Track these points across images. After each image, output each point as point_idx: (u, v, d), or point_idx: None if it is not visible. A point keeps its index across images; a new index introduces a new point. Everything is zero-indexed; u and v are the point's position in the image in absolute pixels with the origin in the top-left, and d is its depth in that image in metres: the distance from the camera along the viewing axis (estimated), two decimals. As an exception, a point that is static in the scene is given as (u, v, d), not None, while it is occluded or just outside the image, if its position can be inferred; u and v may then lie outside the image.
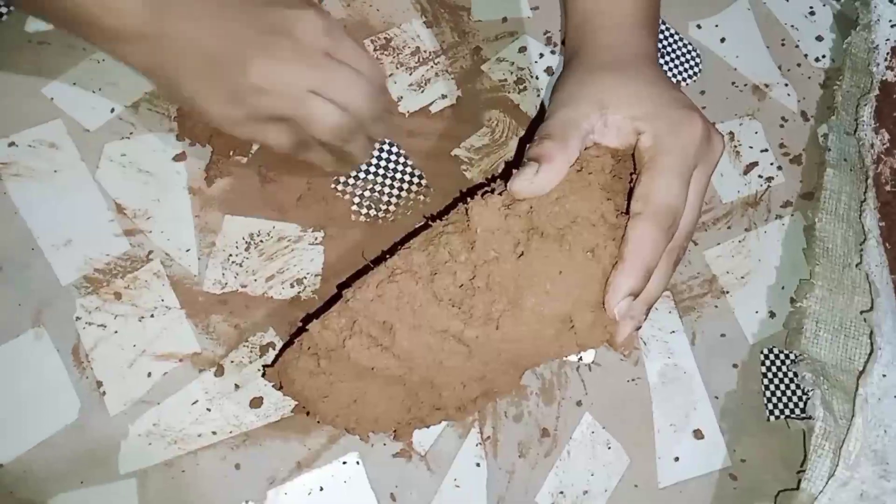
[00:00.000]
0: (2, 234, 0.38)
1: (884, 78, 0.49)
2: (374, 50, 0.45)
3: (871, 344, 0.41)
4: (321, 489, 0.38)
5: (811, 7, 0.51)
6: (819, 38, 0.51)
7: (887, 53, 0.49)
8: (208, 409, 0.38)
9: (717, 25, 0.50)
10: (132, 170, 0.40)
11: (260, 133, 0.36)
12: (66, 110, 0.40)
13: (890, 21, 0.50)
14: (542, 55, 0.47)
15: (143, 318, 0.38)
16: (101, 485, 0.36)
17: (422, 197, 0.43)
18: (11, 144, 0.39)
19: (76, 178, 0.40)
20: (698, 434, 0.42)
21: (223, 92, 0.34)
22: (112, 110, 0.41)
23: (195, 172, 0.41)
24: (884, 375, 0.40)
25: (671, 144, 0.35)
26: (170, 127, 0.41)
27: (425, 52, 0.46)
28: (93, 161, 0.40)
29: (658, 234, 0.33)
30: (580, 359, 0.42)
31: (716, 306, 0.44)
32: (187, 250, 0.40)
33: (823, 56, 0.51)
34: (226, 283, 0.40)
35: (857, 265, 0.43)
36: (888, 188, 0.48)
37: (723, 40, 0.50)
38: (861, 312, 0.42)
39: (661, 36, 0.49)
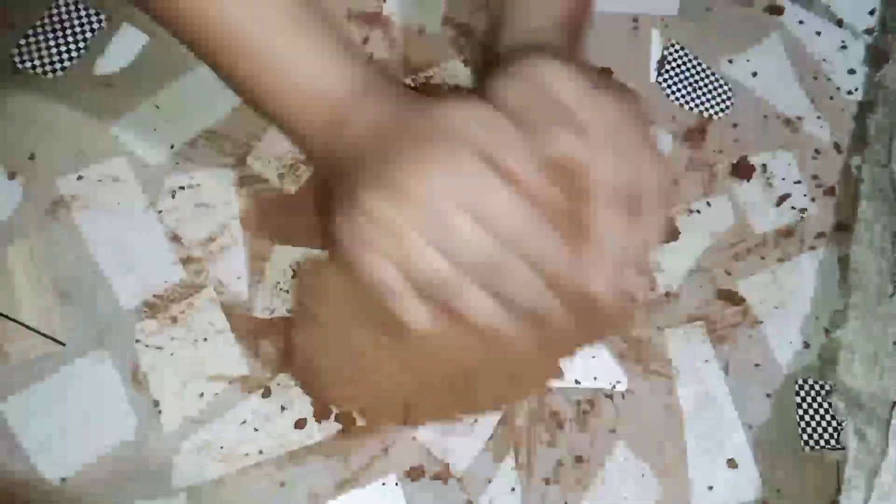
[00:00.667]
0: (70, 262, 0.41)
1: (918, 110, 0.49)
2: (415, 88, 0.47)
3: (906, 375, 0.41)
4: (361, 508, 0.39)
5: (843, 41, 0.52)
6: (851, 71, 0.52)
7: (921, 86, 0.50)
8: (255, 430, 0.40)
9: (748, 60, 0.51)
10: (189, 202, 0.43)
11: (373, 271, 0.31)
12: (129, 147, 0.43)
13: (923, 54, 0.50)
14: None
15: (196, 341, 0.41)
16: (154, 500, 0.38)
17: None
18: (80, 178, 0.42)
19: (138, 210, 0.43)
20: (732, 463, 0.42)
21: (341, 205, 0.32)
22: (171, 146, 0.44)
23: (247, 203, 0.43)
24: (919, 407, 0.40)
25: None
26: (224, 161, 0.44)
27: (463, 89, 0.48)
28: (153, 193, 0.43)
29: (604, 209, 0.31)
30: (614, 387, 0.43)
31: (750, 336, 0.45)
32: (238, 278, 0.42)
33: (856, 89, 0.51)
34: (274, 309, 0.42)
35: (891, 295, 0.43)
36: (924, 220, 0.48)
37: (755, 74, 0.51)
38: (894, 343, 0.42)
39: (692, 71, 0.50)
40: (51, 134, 0.43)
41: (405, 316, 0.32)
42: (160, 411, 0.39)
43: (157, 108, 0.44)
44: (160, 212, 0.43)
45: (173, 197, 0.43)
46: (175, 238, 0.42)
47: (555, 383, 0.43)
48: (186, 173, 0.43)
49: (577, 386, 0.43)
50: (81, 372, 0.40)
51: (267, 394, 0.40)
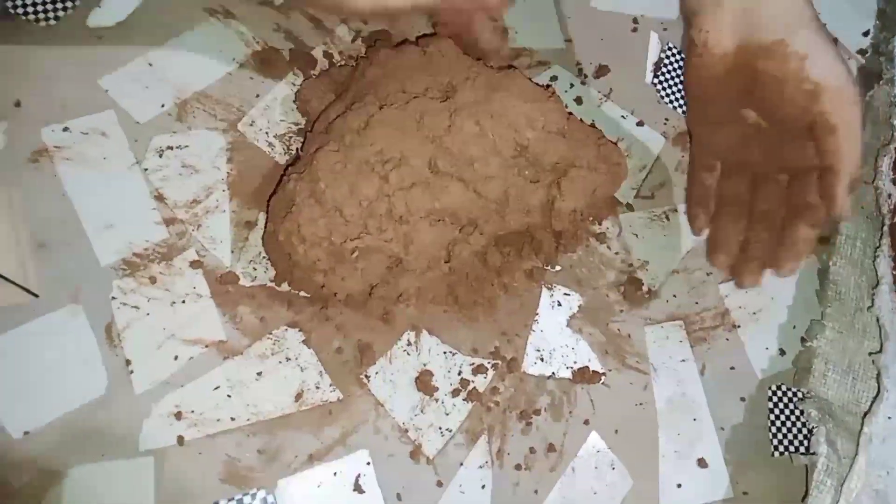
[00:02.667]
0: (49, 213, 0.40)
1: (904, 131, 0.50)
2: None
3: (878, 385, 0.42)
4: (330, 482, 0.39)
5: (836, 59, 0.53)
6: (842, 90, 0.52)
7: (909, 108, 0.51)
8: (229, 396, 0.39)
9: (744, 70, 0.52)
10: (176, 163, 0.42)
11: None
12: (119, 102, 0.43)
13: (913, 78, 0.51)
14: (572, 85, 0.49)
15: (174, 303, 0.40)
16: (120, 460, 0.37)
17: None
18: (65, 130, 0.41)
19: (123, 166, 0.42)
20: (702, 463, 0.43)
21: None
22: (162, 105, 0.43)
23: (236, 169, 0.43)
24: (889, 417, 0.41)
25: None
26: (215, 125, 0.43)
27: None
28: (140, 151, 0.42)
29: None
30: (597, 375, 0.43)
31: (727, 339, 0.45)
32: (221, 242, 0.41)
33: (846, 107, 0.52)
34: (255, 277, 0.41)
35: (868, 308, 0.44)
36: (903, 238, 0.49)
37: (749, 84, 0.51)
38: (870, 354, 0.43)
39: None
40: (39, 82, 0.42)
41: None
42: (132, 371, 0.39)
43: (150, 65, 0.43)
44: (146, 170, 0.42)
45: (160, 156, 0.42)
46: (159, 198, 0.41)
47: (530, 371, 0.43)
48: (175, 134, 0.43)
49: (554, 377, 0.43)
50: (54, 326, 0.38)
51: (243, 361, 0.40)
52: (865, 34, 0.54)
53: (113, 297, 0.39)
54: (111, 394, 0.38)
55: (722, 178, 0.46)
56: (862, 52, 0.53)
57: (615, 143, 0.44)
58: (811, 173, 0.42)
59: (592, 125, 0.45)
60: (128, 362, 0.39)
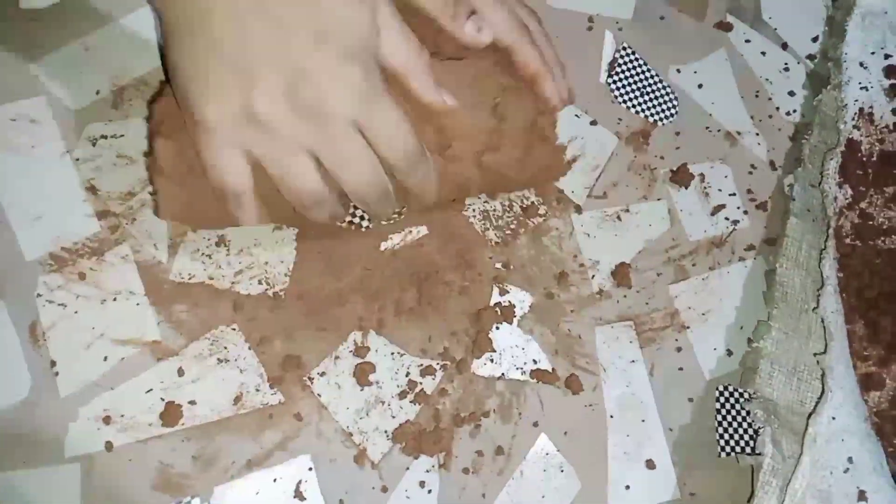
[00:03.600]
0: (-30, 204, 0.38)
1: (850, 136, 0.51)
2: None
3: (823, 386, 0.42)
4: (270, 489, 0.37)
5: (786, 63, 0.54)
6: (791, 93, 0.53)
7: (855, 113, 0.51)
8: (162, 399, 0.37)
9: (695, 72, 0.52)
10: (111, 153, 0.40)
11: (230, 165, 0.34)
12: (50, 88, 0.40)
13: (860, 83, 0.52)
14: (526, 82, 0.48)
15: (105, 300, 0.38)
16: (43, 467, 0.35)
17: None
18: (-9, 116, 0.39)
19: (53, 155, 0.39)
20: (650, 464, 0.42)
21: (227, 102, 0.33)
22: (97, 92, 0.41)
23: (174, 162, 0.41)
24: (833, 418, 0.41)
25: None
26: (153, 115, 0.41)
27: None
28: (72, 140, 0.40)
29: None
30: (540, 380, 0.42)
31: (676, 340, 0.45)
32: (157, 238, 0.40)
33: (794, 111, 0.53)
34: (193, 275, 0.40)
35: (813, 309, 0.44)
36: (847, 241, 0.49)
37: (700, 86, 0.52)
38: (815, 354, 0.43)
39: (641, 76, 0.50)
40: (-38, 65, 0.39)
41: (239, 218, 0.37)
42: (57, 373, 0.36)
43: (86, 50, 0.41)
44: (77, 160, 0.40)
45: (94, 145, 0.40)
46: (91, 189, 0.39)
47: (480, 371, 0.42)
48: (110, 122, 0.41)
49: (503, 377, 0.42)
50: (-28, 323, 0.36)
51: (178, 363, 0.38)
52: (814, 40, 0.55)
53: (38, 294, 0.37)
54: (34, 396, 0.36)
55: None
56: (811, 57, 0.54)
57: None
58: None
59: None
60: (53, 363, 0.36)
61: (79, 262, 0.38)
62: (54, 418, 0.36)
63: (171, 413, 0.37)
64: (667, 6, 0.53)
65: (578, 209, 0.47)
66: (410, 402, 0.40)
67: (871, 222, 0.50)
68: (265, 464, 0.38)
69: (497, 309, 0.43)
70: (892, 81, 0.53)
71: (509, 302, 0.43)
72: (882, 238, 0.50)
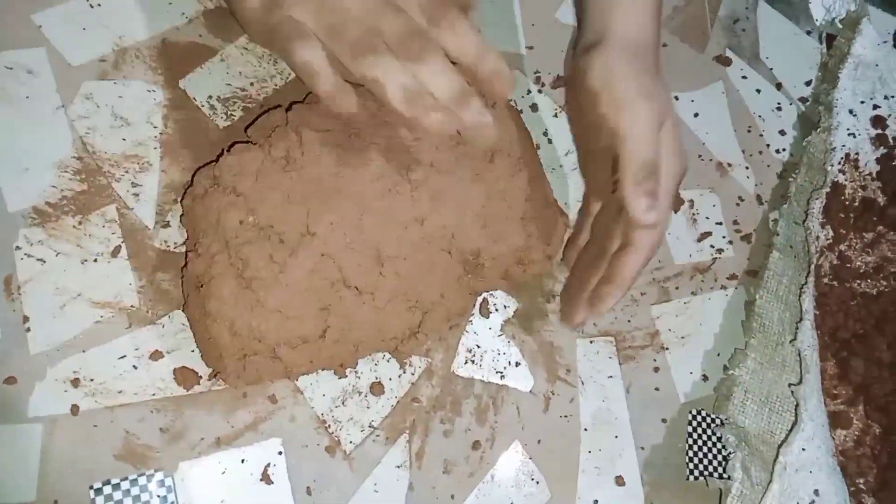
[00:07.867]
0: (-45, 148, 0.36)
1: (835, 179, 0.52)
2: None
3: (796, 416, 0.43)
4: (237, 470, 0.36)
5: (779, 103, 0.55)
6: (782, 132, 0.54)
7: (842, 158, 0.53)
8: (135, 367, 0.36)
9: (692, 101, 0.53)
10: (106, 112, 0.39)
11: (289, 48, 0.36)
12: (52, 40, 0.39)
13: (848, 130, 0.53)
14: (529, 91, 0.49)
15: (86, 261, 0.37)
16: (4, 424, 0.34)
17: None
18: (-13, 61, 0.38)
19: (48, 109, 0.38)
20: (620, 481, 0.42)
21: None
22: (99, 50, 0.40)
23: (171, 128, 0.40)
24: (803, 449, 0.42)
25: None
26: (154, 79, 0.41)
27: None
28: (68, 96, 0.39)
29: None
30: (518, 387, 0.42)
31: (654, 360, 0.46)
32: (146, 203, 0.39)
33: (784, 149, 0.54)
34: (179, 244, 0.39)
35: (790, 341, 0.45)
36: (825, 280, 0.50)
37: (696, 115, 0.52)
38: (789, 385, 0.44)
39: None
40: (-38, 6, 0.38)
41: (329, 101, 0.36)
42: (29, 329, 0.35)
43: (92, 7, 0.40)
44: (72, 116, 0.39)
45: (89, 103, 0.39)
46: (83, 147, 0.38)
47: (460, 371, 0.41)
48: (110, 81, 0.40)
49: (482, 380, 0.42)
50: (-57, 270, 0.35)
51: (154, 331, 0.37)
52: (808, 83, 0.56)
53: (17, 247, 0.36)
54: (3, 350, 0.34)
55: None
56: (803, 99, 0.55)
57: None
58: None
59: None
60: (25, 318, 0.35)
61: (63, 218, 0.37)
62: (21, 376, 0.34)
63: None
64: (670, 34, 0.54)
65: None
66: (386, 396, 0.40)
67: (849, 265, 0.51)
68: (234, 443, 0.37)
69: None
70: (879, 131, 0.55)
71: (494, 306, 0.43)
72: (858, 281, 0.51)
